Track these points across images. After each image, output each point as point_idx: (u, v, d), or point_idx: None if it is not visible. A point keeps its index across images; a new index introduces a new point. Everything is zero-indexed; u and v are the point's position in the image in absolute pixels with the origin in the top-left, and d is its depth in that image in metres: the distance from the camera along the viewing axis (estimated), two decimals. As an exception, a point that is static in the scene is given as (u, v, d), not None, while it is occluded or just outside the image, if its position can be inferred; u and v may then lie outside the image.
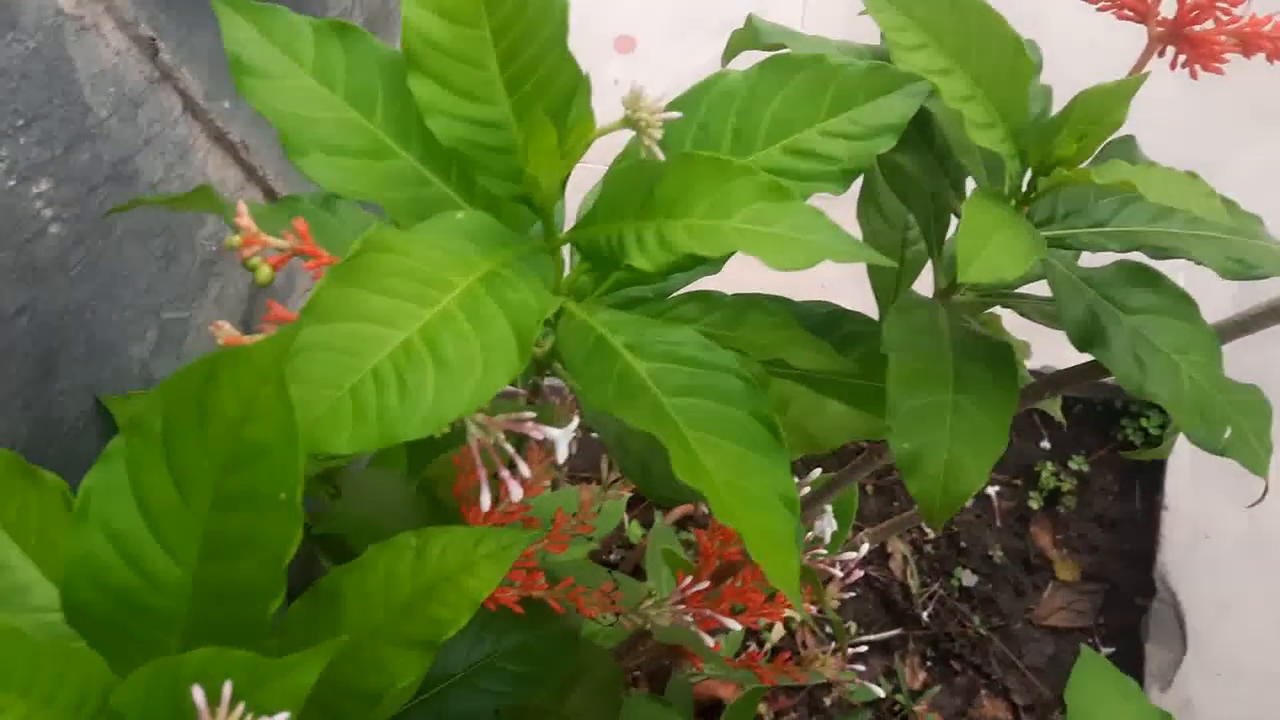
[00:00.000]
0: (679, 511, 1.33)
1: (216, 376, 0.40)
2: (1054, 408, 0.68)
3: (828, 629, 1.27)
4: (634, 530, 1.31)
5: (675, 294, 0.62)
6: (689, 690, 1.10)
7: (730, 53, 0.62)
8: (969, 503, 1.31)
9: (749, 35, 0.60)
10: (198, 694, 0.35)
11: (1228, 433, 0.50)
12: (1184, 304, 0.53)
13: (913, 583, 1.26)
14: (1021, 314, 0.60)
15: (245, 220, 0.49)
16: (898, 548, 1.28)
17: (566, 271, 0.55)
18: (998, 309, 0.62)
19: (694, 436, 0.50)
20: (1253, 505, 0.58)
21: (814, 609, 1.18)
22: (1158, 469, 1.25)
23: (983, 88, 0.51)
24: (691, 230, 0.47)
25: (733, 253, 0.47)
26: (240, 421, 0.40)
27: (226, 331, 0.49)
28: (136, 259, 0.68)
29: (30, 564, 0.50)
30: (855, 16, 0.59)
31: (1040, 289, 0.63)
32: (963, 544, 1.28)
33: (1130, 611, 1.23)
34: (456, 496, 0.70)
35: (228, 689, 0.36)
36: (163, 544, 0.42)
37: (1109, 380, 1.25)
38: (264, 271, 0.49)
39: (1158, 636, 1.17)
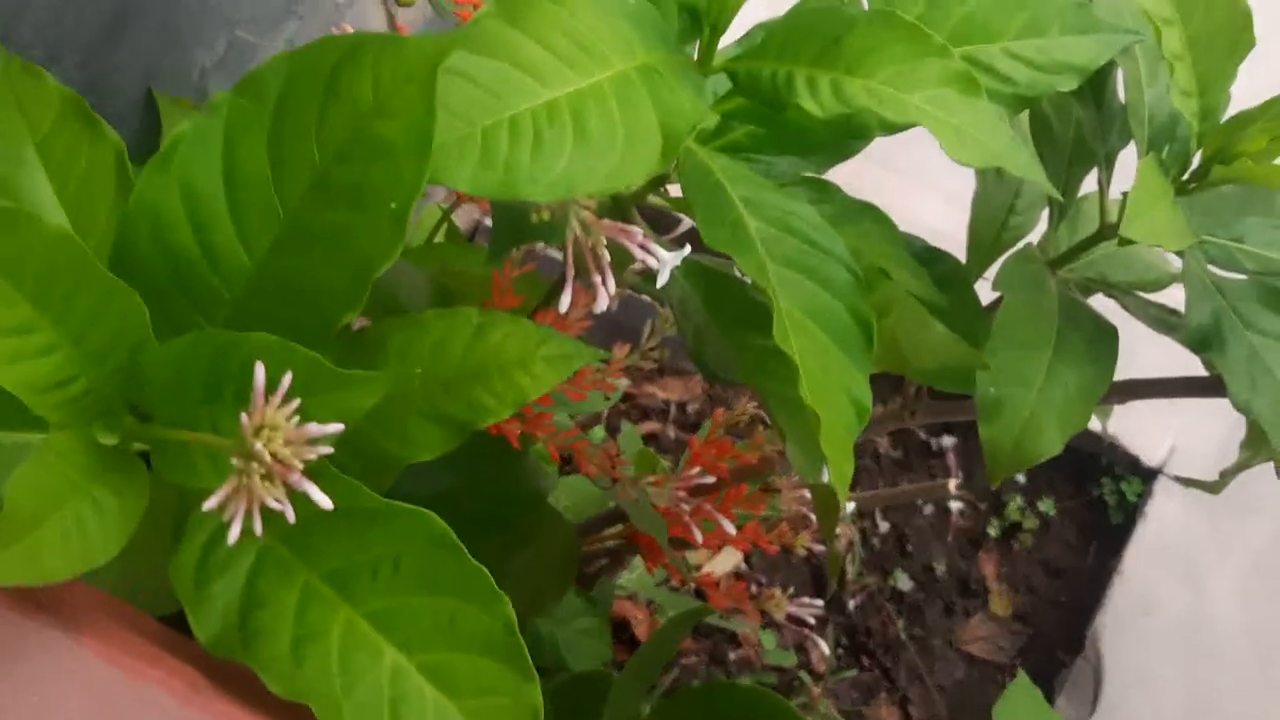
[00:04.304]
0: (647, 427, 1.30)
1: (359, 58, 0.36)
2: (1105, 417, 0.66)
3: (752, 586, 1.25)
4: (597, 434, 1.28)
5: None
6: (611, 598, 1.07)
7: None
8: (928, 510, 1.30)
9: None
10: (259, 371, 0.32)
11: (1320, 476, 0.48)
12: (1308, 340, 0.51)
13: (850, 569, 1.25)
14: (1124, 307, 0.58)
15: (408, -74, 0.45)
16: (846, 532, 1.26)
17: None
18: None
19: (788, 311, 0.47)
20: None
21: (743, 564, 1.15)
22: (1120, 534, 1.25)
23: (1194, 52, 0.48)
24: (872, 92, 0.44)
25: (910, 123, 0.44)
26: (372, 112, 0.36)
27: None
28: (236, -39, 0.63)
29: (62, 213, 0.45)
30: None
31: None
32: (909, 548, 1.27)
33: (1049, 662, 1.23)
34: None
35: (288, 379, 0.32)
36: (236, 222, 0.38)
37: (1101, 432, 1.23)
38: (408, -12, 0.45)
39: (1070, 693, 1.17)
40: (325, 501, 0.32)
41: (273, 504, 0.32)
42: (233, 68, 0.68)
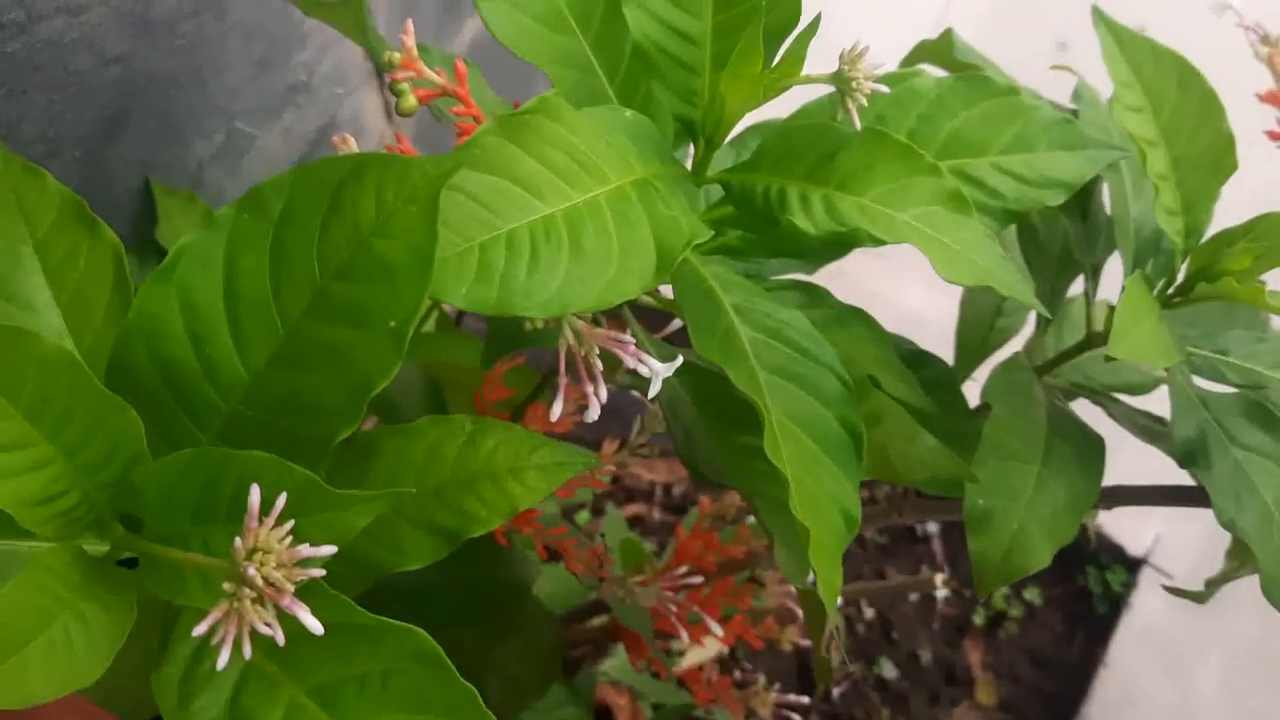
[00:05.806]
0: (632, 509, 1.30)
1: (362, 177, 0.36)
2: (1091, 519, 0.66)
3: (736, 673, 1.24)
4: (582, 517, 1.27)
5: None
6: (594, 687, 1.06)
7: (911, 60, 0.59)
8: (913, 596, 1.30)
9: (940, 48, 0.58)
10: (254, 494, 0.32)
11: (1306, 596, 0.48)
12: (1293, 455, 0.51)
13: (835, 657, 1.23)
14: (1110, 415, 0.58)
15: (410, 40, 0.45)
16: (831, 619, 1.25)
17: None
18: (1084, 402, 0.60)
19: (778, 421, 0.47)
20: None
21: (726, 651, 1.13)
22: (1106, 624, 1.24)
23: (1178, 173, 0.49)
24: (864, 209, 0.45)
25: (900, 242, 0.44)
26: (374, 232, 0.36)
27: (351, 146, 0.45)
28: (235, 55, 0.64)
29: (58, 314, 0.45)
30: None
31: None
32: (894, 636, 1.26)
33: (1033, 753, 1.22)
34: (478, 410, 0.67)
35: (282, 500, 0.32)
36: (235, 336, 0.38)
37: (1085, 522, 1.23)
38: (409, 100, 0.46)
39: (1055, 785, 1.16)
40: (316, 626, 0.32)
41: (263, 629, 0.31)
42: (230, 158, 0.69)
